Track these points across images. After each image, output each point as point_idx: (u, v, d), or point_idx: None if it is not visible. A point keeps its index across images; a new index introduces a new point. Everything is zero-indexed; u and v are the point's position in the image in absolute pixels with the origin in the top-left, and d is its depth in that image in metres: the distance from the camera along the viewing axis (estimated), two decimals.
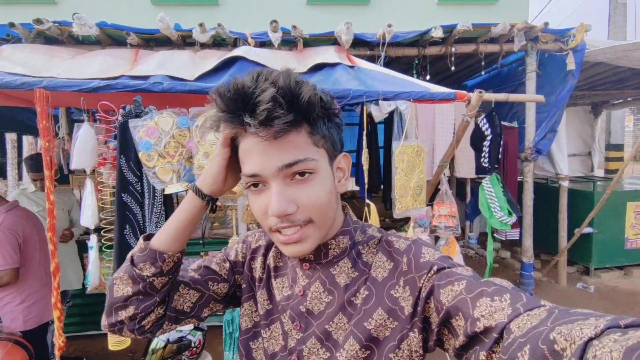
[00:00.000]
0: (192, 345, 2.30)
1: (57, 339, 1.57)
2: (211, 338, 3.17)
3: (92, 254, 1.71)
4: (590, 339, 0.36)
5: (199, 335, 2.36)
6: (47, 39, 3.10)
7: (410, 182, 1.86)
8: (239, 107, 0.57)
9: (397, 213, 1.91)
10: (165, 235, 0.71)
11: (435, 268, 0.60)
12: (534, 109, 3.54)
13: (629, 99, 5.83)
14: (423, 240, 0.69)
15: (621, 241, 4.46)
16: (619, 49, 3.40)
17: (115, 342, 1.72)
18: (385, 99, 1.77)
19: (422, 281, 0.60)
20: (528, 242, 3.72)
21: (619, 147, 6.97)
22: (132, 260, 0.71)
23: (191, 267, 0.82)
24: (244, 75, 0.60)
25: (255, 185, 0.62)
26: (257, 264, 0.79)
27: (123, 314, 0.70)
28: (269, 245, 0.80)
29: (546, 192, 4.72)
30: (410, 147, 1.89)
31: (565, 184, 4.16)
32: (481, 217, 4.96)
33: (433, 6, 6.52)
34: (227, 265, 0.81)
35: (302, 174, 0.60)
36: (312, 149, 0.61)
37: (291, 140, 0.58)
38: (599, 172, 6.45)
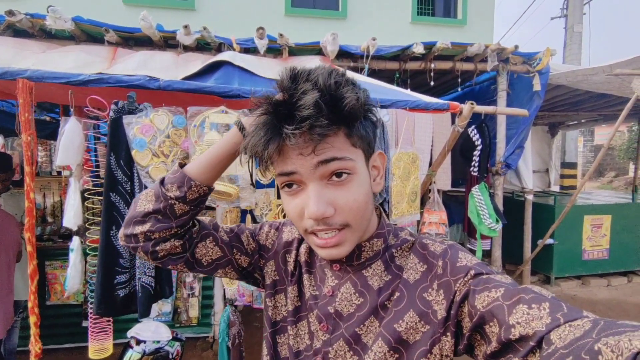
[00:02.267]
0: (170, 356, 2.18)
1: (34, 346, 1.43)
2: (185, 350, 3.03)
3: (73, 257, 1.59)
4: None
5: (177, 345, 2.25)
6: (17, 32, 2.92)
7: (406, 188, 1.90)
8: (276, 112, 0.54)
9: (394, 219, 1.93)
10: (198, 165, 0.73)
11: (472, 272, 0.58)
12: (504, 125, 3.74)
13: (582, 120, 6.31)
14: (460, 245, 0.68)
15: (579, 252, 4.76)
16: (579, 73, 3.68)
17: (96, 351, 1.60)
18: (382, 107, 1.81)
19: (457, 285, 0.59)
20: (497, 252, 3.88)
21: (573, 165, 7.50)
22: (162, 180, 0.73)
23: (224, 226, 0.81)
24: (280, 72, 0.58)
25: (290, 185, 0.60)
26: (292, 257, 0.77)
27: (139, 229, 0.71)
28: (302, 239, 0.79)
29: (511, 204, 4.96)
30: (406, 154, 1.93)
31: (530, 197, 4.40)
32: (452, 230, 5.12)
33: (407, 24, 6.79)
34: (254, 244, 0.80)
35: (339, 174, 0.58)
36: (350, 149, 0.58)
37: (328, 142, 0.56)
38: (555, 188, 6.89)
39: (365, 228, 0.65)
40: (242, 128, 0.71)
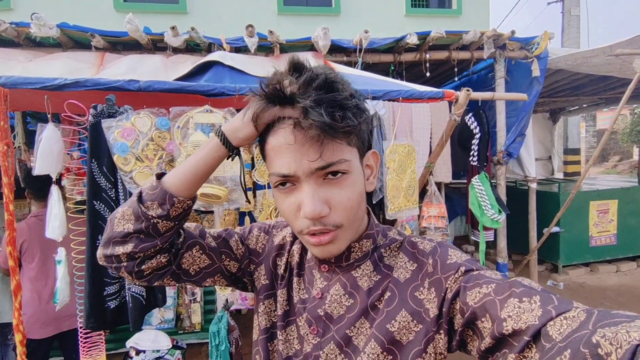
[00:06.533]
0: None
1: None
2: (189, 357, 2.99)
3: (61, 269, 1.54)
4: None
5: (177, 354, 2.20)
6: (3, 42, 2.87)
7: (402, 182, 1.82)
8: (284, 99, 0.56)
9: (390, 214, 1.86)
10: (180, 179, 0.67)
11: (462, 269, 0.58)
12: (504, 113, 3.66)
13: (584, 105, 6.20)
14: (449, 243, 0.67)
15: (586, 239, 4.67)
16: (579, 55, 3.59)
17: None
18: (374, 98, 1.75)
19: (448, 282, 0.58)
20: (503, 243, 3.80)
21: (576, 151, 7.40)
22: (139, 196, 0.67)
23: (210, 232, 0.77)
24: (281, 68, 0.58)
25: (283, 184, 0.59)
26: (283, 261, 0.75)
27: (120, 250, 0.66)
28: (293, 242, 0.76)
29: (515, 194, 4.87)
30: (401, 146, 1.86)
31: (534, 185, 4.31)
32: (456, 222, 5.05)
33: (401, 17, 6.70)
34: (243, 248, 0.77)
35: (334, 173, 0.58)
36: (345, 149, 0.59)
37: (326, 142, 0.56)
38: (558, 175, 6.79)
39: (357, 227, 0.65)
40: (225, 141, 0.65)
